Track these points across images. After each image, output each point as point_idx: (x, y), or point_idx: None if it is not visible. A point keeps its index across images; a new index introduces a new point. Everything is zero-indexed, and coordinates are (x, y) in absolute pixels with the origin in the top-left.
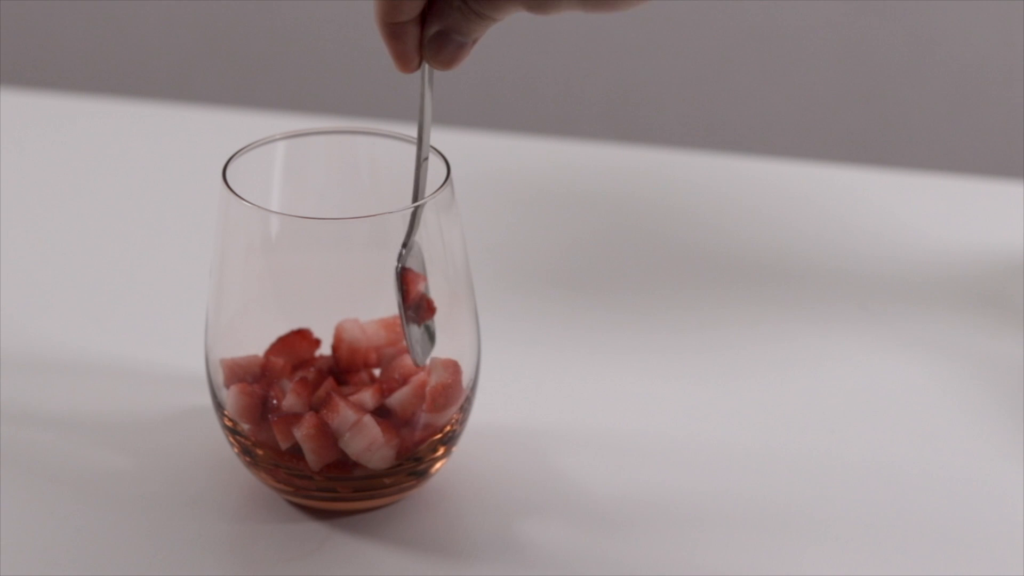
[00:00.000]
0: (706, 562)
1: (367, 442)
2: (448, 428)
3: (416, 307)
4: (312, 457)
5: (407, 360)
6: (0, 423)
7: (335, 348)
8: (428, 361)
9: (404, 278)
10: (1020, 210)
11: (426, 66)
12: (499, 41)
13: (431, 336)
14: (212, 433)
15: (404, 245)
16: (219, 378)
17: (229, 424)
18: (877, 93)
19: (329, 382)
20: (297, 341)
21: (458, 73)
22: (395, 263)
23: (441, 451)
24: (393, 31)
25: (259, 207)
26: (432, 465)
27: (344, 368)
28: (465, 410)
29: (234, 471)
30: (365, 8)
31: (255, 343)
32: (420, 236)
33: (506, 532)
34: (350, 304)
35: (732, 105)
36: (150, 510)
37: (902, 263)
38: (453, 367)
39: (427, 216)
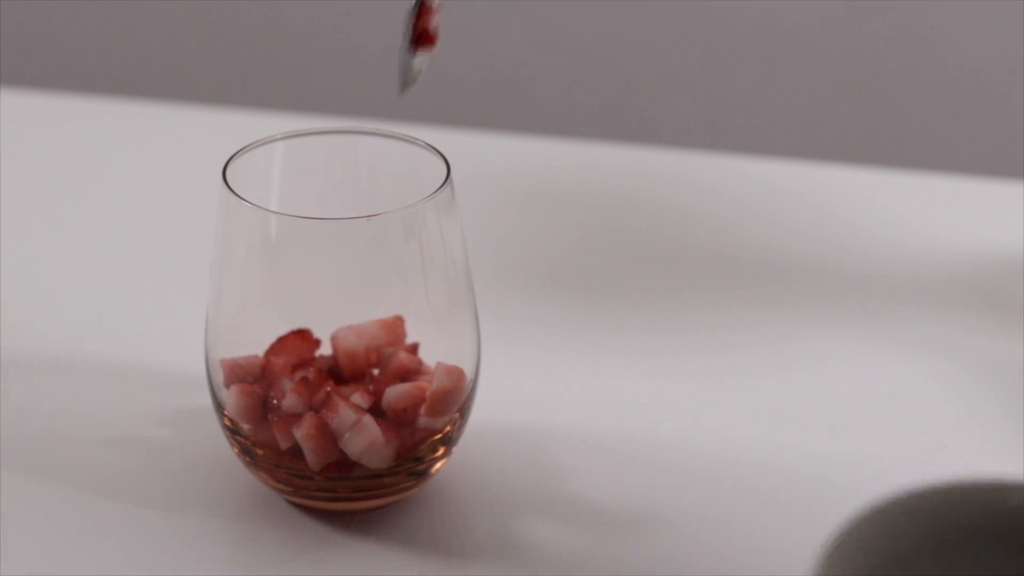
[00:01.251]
0: (706, 562)
1: (367, 442)
2: (448, 428)
3: (418, 35)
4: (312, 457)
5: (404, 359)
6: (0, 423)
7: (334, 358)
8: (402, 93)
9: (421, 7)
10: (1020, 210)
11: None
12: (499, 41)
13: (414, 76)
14: (212, 433)
15: None
16: (219, 378)
17: (229, 424)
18: (877, 93)
19: (329, 382)
20: (297, 341)
21: (458, 72)
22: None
23: (441, 451)
24: None
25: (259, 207)
26: (432, 465)
27: (347, 377)
28: (465, 411)
29: (234, 471)
30: (365, 8)
31: (255, 343)
32: (421, 233)
33: (506, 532)
34: (350, 304)
35: (732, 105)
36: (150, 510)
37: (902, 263)
38: (457, 374)
39: (427, 216)
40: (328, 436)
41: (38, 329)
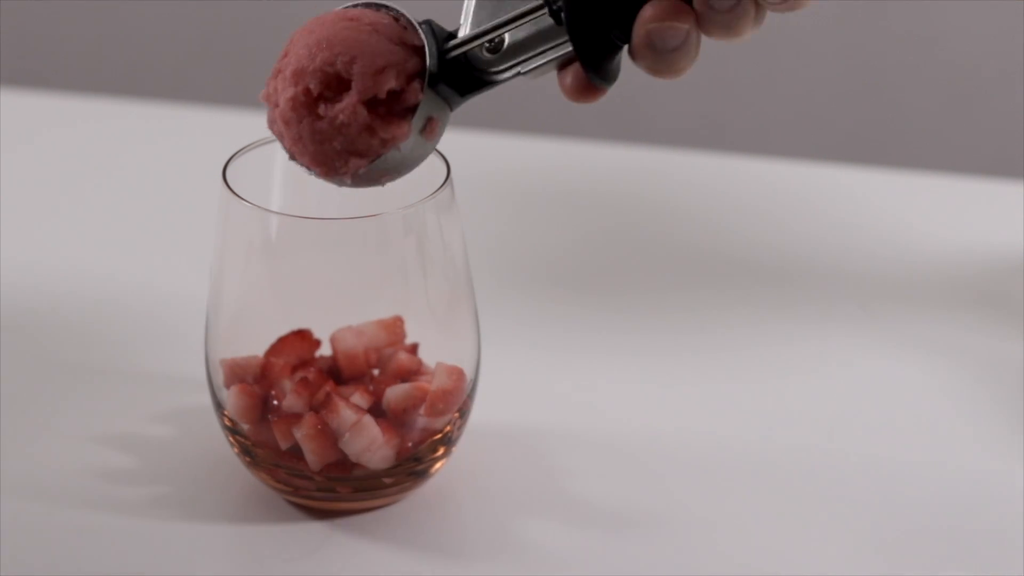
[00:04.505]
0: (705, 562)
1: (367, 442)
2: (448, 428)
3: None
4: (312, 457)
5: (404, 359)
6: (0, 423)
7: (334, 359)
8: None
9: None
10: (1020, 210)
11: None
12: None
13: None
14: (212, 433)
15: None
16: (219, 378)
17: (229, 424)
18: (877, 93)
19: (329, 382)
20: (297, 341)
21: None
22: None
23: (441, 451)
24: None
25: (259, 207)
26: (432, 465)
27: (347, 378)
28: (465, 411)
29: (234, 471)
30: None
31: (255, 343)
32: (421, 233)
33: (506, 532)
34: (350, 305)
35: (732, 105)
36: (150, 510)
37: (902, 263)
38: (457, 374)
39: (427, 216)
40: (328, 436)
41: (38, 329)
